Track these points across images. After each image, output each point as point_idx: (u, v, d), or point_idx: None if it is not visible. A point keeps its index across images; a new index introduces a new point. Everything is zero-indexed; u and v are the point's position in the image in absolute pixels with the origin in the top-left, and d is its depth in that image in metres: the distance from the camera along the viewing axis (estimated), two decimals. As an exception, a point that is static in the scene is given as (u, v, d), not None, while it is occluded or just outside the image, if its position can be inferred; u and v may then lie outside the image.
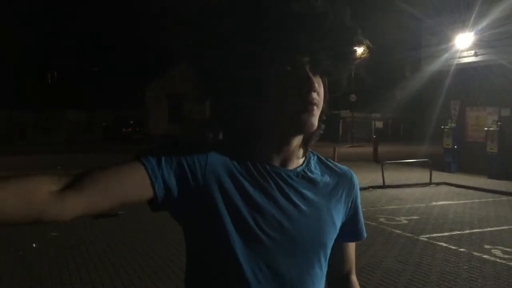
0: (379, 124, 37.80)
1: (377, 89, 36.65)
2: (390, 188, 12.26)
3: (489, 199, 10.87)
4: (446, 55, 15.80)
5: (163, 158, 1.03)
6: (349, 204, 1.25)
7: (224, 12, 1.07)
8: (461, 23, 15.00)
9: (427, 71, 17.10)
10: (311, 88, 1.05)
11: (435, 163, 13.88)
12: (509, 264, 5.95)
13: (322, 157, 1.27)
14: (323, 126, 1.18)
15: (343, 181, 1.24)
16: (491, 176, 13.76)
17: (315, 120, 1.08)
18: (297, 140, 1.14)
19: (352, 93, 32.74)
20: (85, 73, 46.50)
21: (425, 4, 16.42)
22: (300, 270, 1.12)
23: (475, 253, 6.42)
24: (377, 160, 18.52)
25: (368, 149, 22.97)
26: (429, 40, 16.80)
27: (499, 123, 14.05)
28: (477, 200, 10.70)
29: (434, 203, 10.26)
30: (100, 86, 43.92)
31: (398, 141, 34.71)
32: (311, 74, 1.05)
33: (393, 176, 13.67)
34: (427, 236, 7.36)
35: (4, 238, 7.03)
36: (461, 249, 6.61)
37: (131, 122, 35.10)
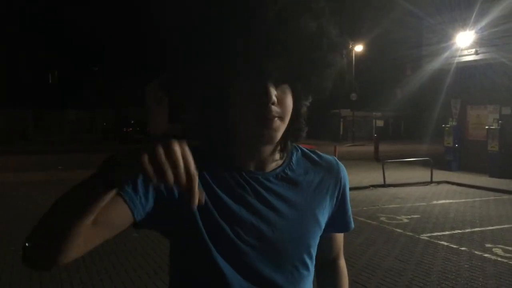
0: (380, 123, 37.77)
1: (377, 88, 36.64)
2: (391, 187, 12.23)
3: (490, 198, 10.84)
4: (446, 54, 15.77)
5: (138, 182, 1.00)
6: (336, 196, 1.23)
7: (184, 29, 1.06)
8: (462, 22, 14.97)
9: (428, 69, 17.09)
10: (267, 100, 1.02)
11: (436, 162, 13.86)
12: (510, 263, 5.93)
13: (306, 151, 1.24)
14: (305, 128, 1.16)
15: (329, 175, 1.22)
16: (492, 174, 13.73)
17: (276, 132, 1.05)
18: (269, 147, 1.12)
19: (353, 92, 32.74)
20: (85, 73, 46.53)
21: (425, 3, 16.39)
22: (285, 274, 1.11)
23: (476, 252, 6.40)
24: (378, 159, 18.50)
25: (369, 148, 22.96)
26: (430, 38, 16.77)
27: (500, 121, 14.02)
28: (478, 199, 10.68)
29: (435, 202, 10.24)
30: (100, 86, 43.95)
31: (399, 140, 34.68)
32: (269, 87, 1.02)
33: (394, 175, 13.65)
34: (428, 235, 7.34)
35: (4, 237, 7.03)
36: (462, 248, 6.59)
37: (132, 122, 35.11)
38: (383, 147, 21.57)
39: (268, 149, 1.12)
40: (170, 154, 0.79)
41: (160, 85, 1.15)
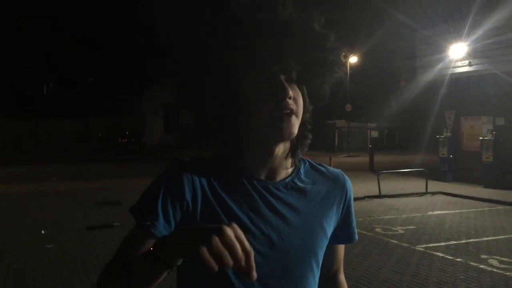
0: (375, 134, 37.83)
1: (372, 99, 36.79)
2: (386, 198, 12.24)
3: (485, 209, 10.86)
4: (440, 65, 15.88)
5: (170, 216, 1.07)
6: (342, 208, 1.26)
7: (193, 25, 1.11)
8: (455, 33, 15.10)
9: (422, 80, 17.18)
10: (285, 94, 1.05)
11: (431, 173, 13.89)
12: (506, 274, 5.93)
13: (314, 163, 1.27)
14: (310, 136, 1.19)
15: (335, 187, 1.24)
16: (487, 185, 13.77)
17: (294, 127, 1.09)
18: (282, 150, 1.14)
19: (347, 103, 32.84)
20: (80, 83, 46.49)
21: (419, 14, 16.54)
22: (293, 282, 1.13)
23: (471, 263, 6.40)
24: (373, 169, 18.52)
25: (364, 159, 22.99)
26: (424, 50, 16.90)
27: (494, 132, 14.08)
28: (473, 210, 10.69)
29: (430, 213, 10.25)
30: (95, 96, 43.90)
31: (393, 151, 34.75)
32: (284, 82, 1.06)
33: (389, 185, 13.66)
34: (423, 246, 7.34)
35: (0, 251, 6.97)
36: (458, 259, 6.59)
37: (127, 132, 35.03)
38: (378, 158, 21.62)
39: (279, 154, 1.14)
40: (225, 241, 0.84)
41: (178, 99, 1.22)
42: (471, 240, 7.74)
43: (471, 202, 11.79)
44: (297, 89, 1.10)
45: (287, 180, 1.17)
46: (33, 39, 42.49)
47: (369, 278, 5.75)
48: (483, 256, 6.74)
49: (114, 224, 8.42)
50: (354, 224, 1.32)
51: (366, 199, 12.11)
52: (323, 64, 1.13)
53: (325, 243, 1.21)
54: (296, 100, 1.09)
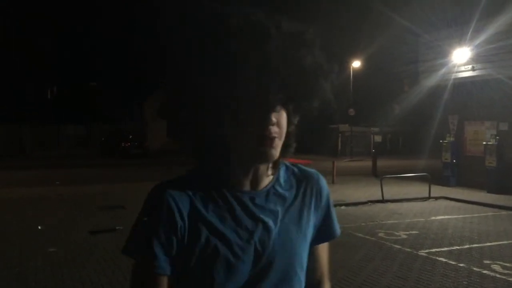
0: (378, 138, 37.74)
1: (375, 103, 36.76)
2: (389, 203, 12.21)
3: (489, 214, 10.83)
4: (443, 70, 15.86)
5: (167, 248, 1.08)
6: (320, 207, 1.28)
7: (190, 54, 1.11)
8: (458, 38, 15.09)
9: (425, 85, 17.16)
10: (268, 123, 1.08)
11: (434, 177, 13.86)
12: (509, 280, 5.90)
13: (291, 165, 1.30)
14: (294, 144, 1.22)
15: (311, 187, 1.27)
16: (490, 190, 13.72)
17: (276, 151, 1.11)
18: (265, 164, 1.18)
19: (351, 107, 32.83)
20: (84, 88, 46.64)
21: (422, 19, 16.54)
22: (277, 287, 1.16)
23: (474, 269, 6.37)
24: (376, 174, 18.48)
25: (367, 163, 22.94)
26: (427, 54, 16.89)
27: (497, 137, 14.05)
28: (476, 215, 10.66)
29: (433, 218, 10.22)
30: (98, 100, 44.00)
31: (396, 155, 34.69)
32: (271, 112, 1.08)
33: (392, 190, 13.63)
34: (426, 251, 7.31)
35: (2, 255, 6.97)
36: (461, 264, 6.56)
37: (130, 136, 35.06)
38: (381, 163, 21.58)
39: (262, 168, 1.18)
40: None
41: (158, 112, 1.22)
42: (474, 246, 7.71)
43: (474, 207, 11.75)
44: (282, 110, 1.12)
45: (268, 187, 1.20)
46: (37, 44, 42.69)
47: (371, 283, 5.73)
48: (486, 262, 6.71)
49: (117, 228, 8.42)
50: (335, 219, 1.33)
51: (369, 203, 12.09)
52: (312, 94, 1.16)
53: (307, 246, 1.23)
54: (280, 124, 1.11)
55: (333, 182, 15.96)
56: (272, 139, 1.09)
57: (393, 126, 37.39)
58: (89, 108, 43.21)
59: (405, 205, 12.00)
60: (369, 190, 13.96)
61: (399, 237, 8.26)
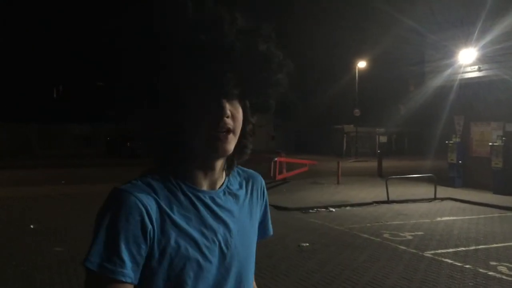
0: (383, 139, 37.69)
1: (381, 104, 36.68)
2: (395, 203, 12.17)
3: (495, 215, 10.77)
4: (449, 70, 15.81)
5: (137, 258, 1.04)
6: (262, 205, 1.34)
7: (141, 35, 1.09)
8: (465, 39, 15.04)
9: (431, 86, 17.11)
10: (222, 113, 1.08)
11: (440, 178, 13.81)
12: (515, 281, 5.87)
13: (236, 167, 1.32)
14: (250, 146, 1.22)
15: (256, 186, 1.32)
16: (496, 191, 13.65)
17: (229, 145, 1.11)
18: (221, 162, 1.18)
19: (356, 107, 32.79)
20: (90, 87, 46.76)
21: (428, 20, 16.49)
22: (243, 284, 1.20)
23: (480, 270, 6.34)
24: (381, 175, 18.43)
25: (372, 164, 22.90)
26: (433, 55, 16.84)
27: (503, 138, 13.97)
28: (482, 216, 10.61)
29: (439, 219, 10.18)
30: (104, 99, 44.14)
31: (402, 156, 34.59)
32: (223, 101, 1.08)
33: (397, 191, 13.59)
34: (432, 252, 7.29)
35: (8, 254, 7.01)
36: (467, 266, 6.53)
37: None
38: (387, 163, 21.52)
39: (219, 167, 1.18)
40: None
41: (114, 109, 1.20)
42: (480, 247, 7.68)
43: (480, 208, 11.70)
44: (237, 104, 1.12)
45: (223, 186, 1.21)
46: (43, 43, 42.89)
47: (376, 284, 5.72)
48: (492, 263, 6.68)
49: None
50: (270, 218, 1.39)
51: (374, 204, 12.06)
52: (266, 85, 1.15)
53: (256, 241, 1.29)
54: (235, 117, 1.11)
55: (338, 183, 15.94)
56: (226, 131, 1.09)
57: (399, 127, 37.30)
58: (96, 108, 43.36)
59: (411, 206, 11.96)
60: (374, 191, 13.93)
61: (404, 238, 8.24)
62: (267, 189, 1.39)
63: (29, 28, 44.81)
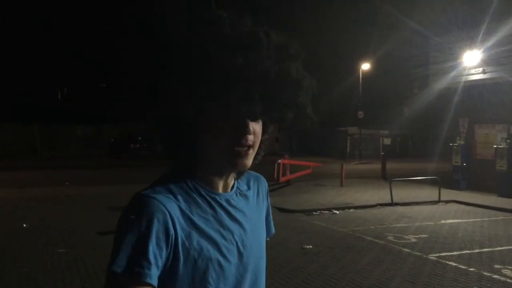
0: (387, 141, 37.62)
1: (385, 106, 36.64)
2: (399, 206, 12.13)
3: (499, 218, 10.72)
4: (454, 72, 15.78)
5: (159, 261, 1.04)
6: (267, 205, 1.39)
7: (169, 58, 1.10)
8: (469, 41, 15.01)
9: (435, 88, 17.07)
10: (246, 132, 1.10)
11: (444, 181, 13.76)
12: (520, 285, 5.84)
13: None
14: (262, 153, 1.25)
15: (261, 187, 1.36)
16: (501, 194, 13.59)
17: (248, 161, 1.14)
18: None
19: (360, 109, 32.73)
20: (93, 89, 46.89)
21: (432, 22, 16.47)
22: (259, 283, 1.24)
23: (485, 273, 6.31)
24: (385, 177, 18.39)
25: (376, 166, 22.85)
26: (437, 57, 16.81)
27: (508, 140, 13.92)
28: (487, 219, 10.56)
29: (443, 222, 10.14)
30: (107, 101, 44.23)
31: (406, 158, 34.50)
32: (248, 122, 1.10)
33: (401, 193, 13.55)
34: (436, 255, 7.26)
35: (13, 256, 7.02)
36: (471, 269, 6.50)
37: (140, 138, 35.17)
38: (390, 165, 21.47)
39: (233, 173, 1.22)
40: None
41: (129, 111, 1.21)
42: (484, 250, 7.64)
43: (485, 211, 11.65)
44: (259, 118, 1.14)
45: (235, 188, 1.25)
46: (48, 44, 43.05)
47: (380, 287, 5.70)
48: (497, 266, 6.64)
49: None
50: (271, 218, 1.43)
51: (378, 207, 12.03)
52: (292, 105, 1.16)
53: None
54: (256, 132, 1.14)
55: (341, 185, 15.92)
56: (248, 148, 1.12)
57: (403, 129, 37.23)
58: (99, 110, 43.46)
59: (415, 208, 11.92)
60: (378, 193, 13.89)
61: (408, 241, 8.21)
62: (270, 191, 1.41)
63: (34, 29, 45.00)
